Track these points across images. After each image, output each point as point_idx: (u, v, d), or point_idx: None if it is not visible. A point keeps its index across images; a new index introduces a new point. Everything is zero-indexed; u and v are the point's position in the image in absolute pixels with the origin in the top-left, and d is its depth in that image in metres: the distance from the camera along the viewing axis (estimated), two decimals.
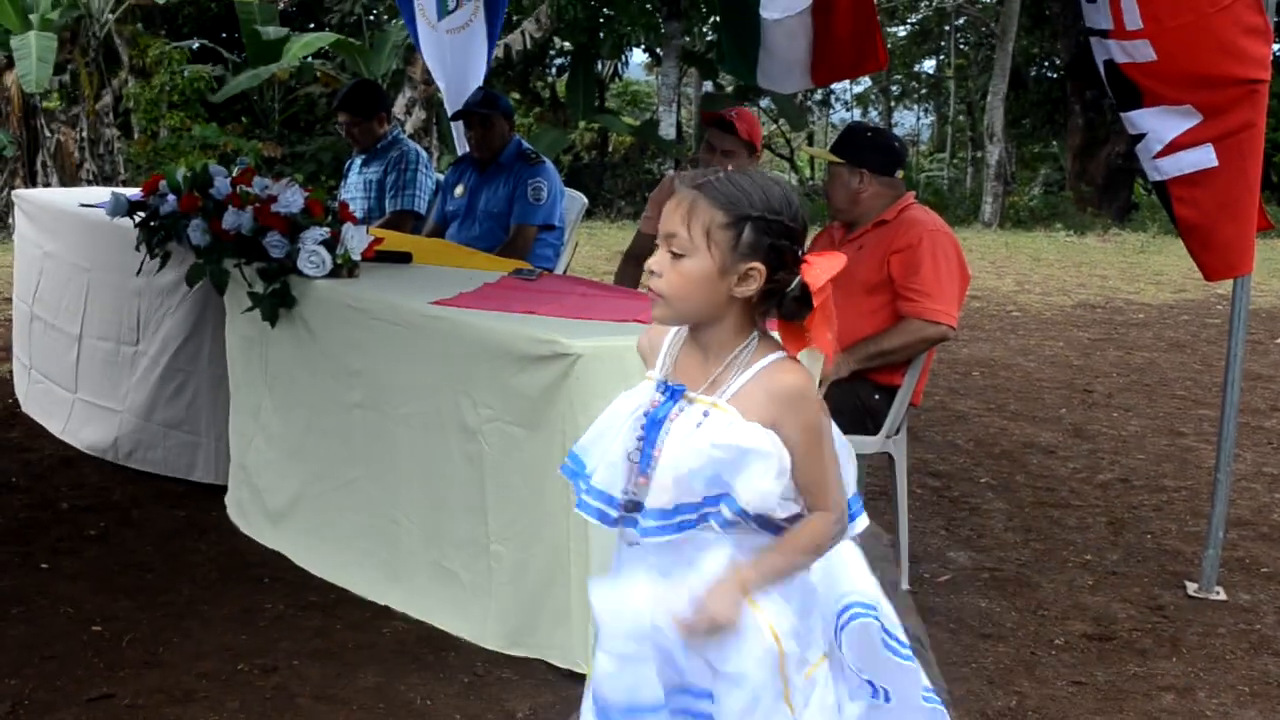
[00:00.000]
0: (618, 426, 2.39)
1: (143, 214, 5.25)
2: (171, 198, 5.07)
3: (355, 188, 6.80)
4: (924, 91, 33.64)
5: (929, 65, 32.61)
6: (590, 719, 2.47)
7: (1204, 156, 4.45)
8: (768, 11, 5.52)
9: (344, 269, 4.66)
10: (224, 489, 5.12)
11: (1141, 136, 4.56)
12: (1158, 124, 4.50)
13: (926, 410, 7.25)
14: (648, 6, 19.34)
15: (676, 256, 2.29)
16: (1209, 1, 4.30)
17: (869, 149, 4.76)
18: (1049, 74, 27.66)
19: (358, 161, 6.87)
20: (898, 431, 4.63)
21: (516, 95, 20.93)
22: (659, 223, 2.34)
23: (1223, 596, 4.70)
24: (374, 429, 4.33)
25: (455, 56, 7.70)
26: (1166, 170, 4.54)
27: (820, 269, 2.28)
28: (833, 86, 30.10)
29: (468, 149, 6.61)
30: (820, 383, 2.46)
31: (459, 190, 6.41)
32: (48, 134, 16.23)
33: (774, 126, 27.73)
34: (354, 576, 4.40)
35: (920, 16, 30.47)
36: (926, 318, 4.53)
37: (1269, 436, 7.11)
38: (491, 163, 6.31)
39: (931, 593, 4.64)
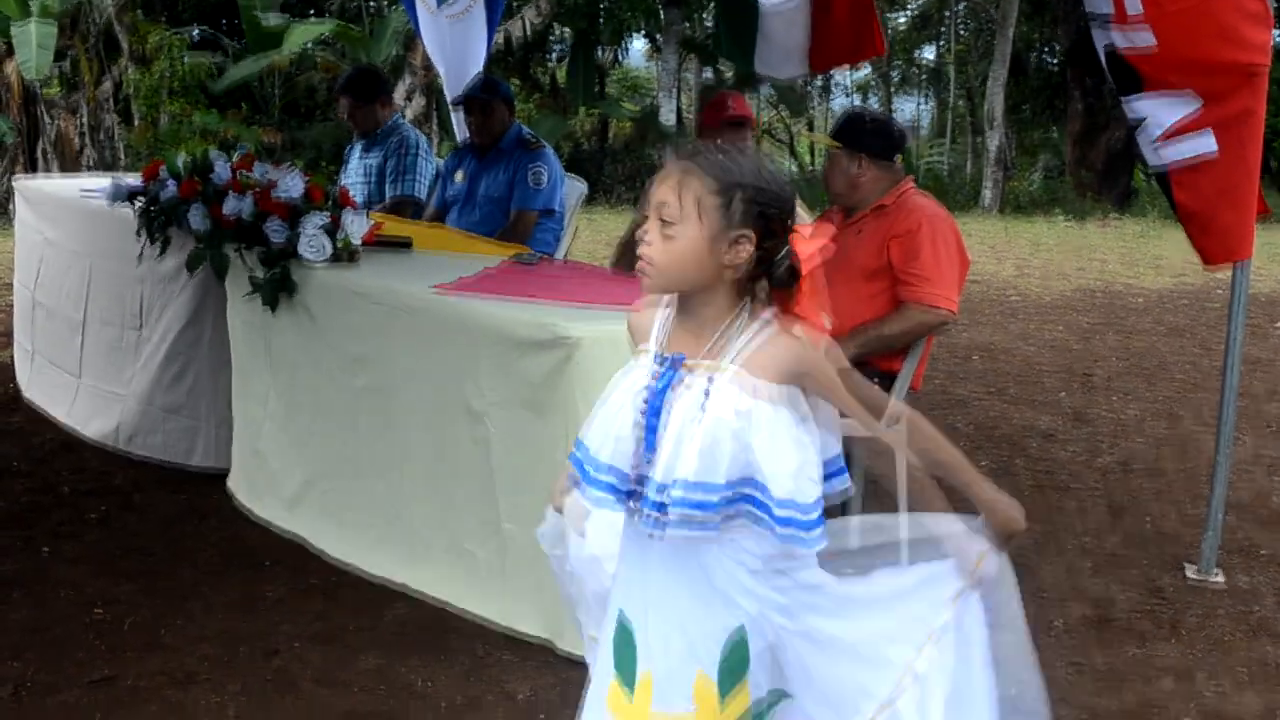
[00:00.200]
0: (619, 404, 2.37)
1: (143, 200, 5.25)
2: (172, 184, 5.07)
3: (355, 173, 6.80)
4: (924, 78, 33.57)
5: (929, 52, 32.57)
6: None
7: (1204, 142, 4.45)
8: None
9: (344, 254, 4.67)
10: (225, 474, 5.13)
11: (1141, 122, 4.55)
12: (1158, 110, 4.50)
13: (926, 395, 7.24)
14: None
15: (667, 225, 2.29)
16: None
17: (868, 134, 4.76)
18: (1049, 60, 27.63)
19: (358, 147, 6.87)
20: None
21: (517, 82, 20.88)
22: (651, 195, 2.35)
23: (1221, 580, 4.71)
24: (381, 413, 4.34)
25: (455, 43, 7.70)
26: (1166, 156, 4.53)
27: (810, 240, 2.30)
28: (833, 73, 30.00)
29: (468, 135, 6.61)
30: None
31: (459, 176, 6.41)
32: (48, 121, 16.21)
33: (774, 113, 27.69)
34: (370, 559, 4.42)
35: (920, 3, 30.38)
36: (926, 303, 4.53)
37: (1268, 421, 7.12)
38: (492, 148, 6.31)
39: None
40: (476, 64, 7.54)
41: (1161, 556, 4.94)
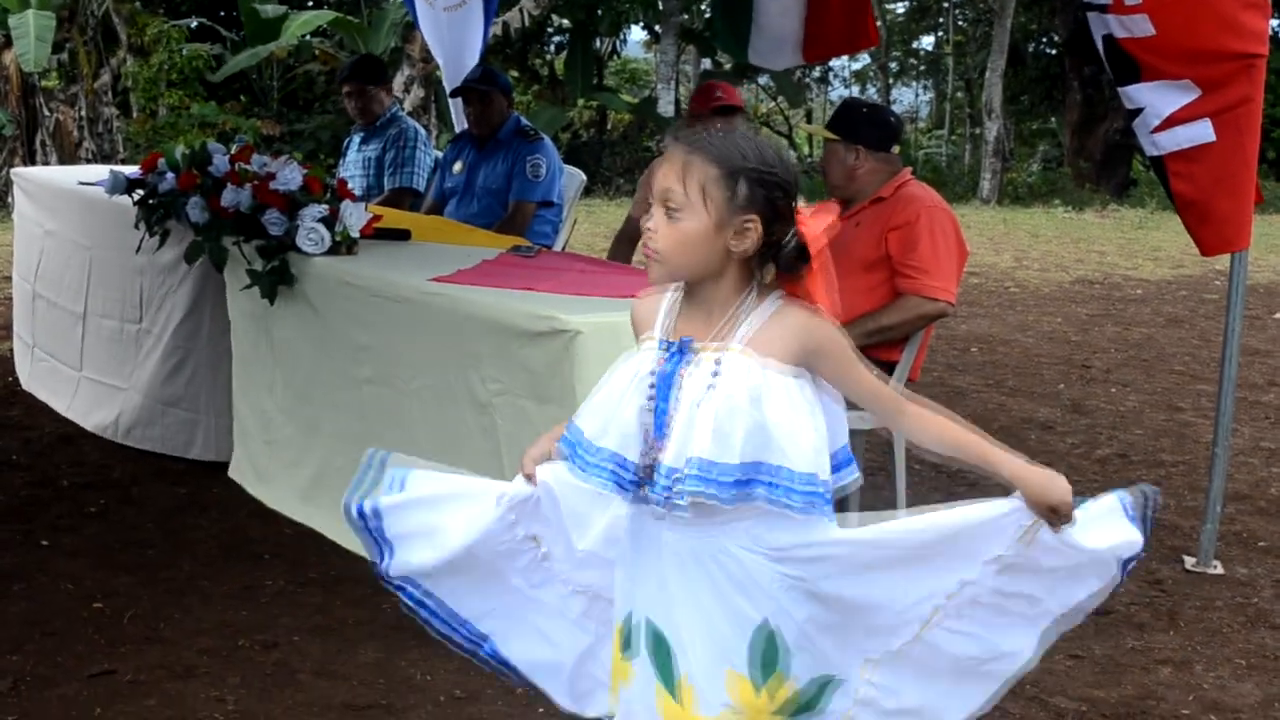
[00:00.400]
0: (622, 390, 2.34)
1: (141, 192, 5.25)
2: (170, 175, 5.07)
3: (354, 165, 6.80)
4: (922, 68, 33.52)
5: (927, 42, 32.50)
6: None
7: (1202, 131, 4.44)
8: None
9: (343, 246, 4.67)
10: (224, 466, 5.13)
11: (1139, 111, 4.55)
12: (1156, 99, 4.49)
13: (924, 386, 7.22)
14: None
15: (672, 213, 2.28)
16: None
17: (864, 125, 4.76)
18: (1047, 50, 27.58)
19: (356, 139, 6.87)
20: None
21: (515, 73, 20.82)
22: (653, 182, 2.34)
23: (1220, 570, 4.72)
24: (387, 403, 4.35)
25: (453, 34, 7.69)
26: (1164, 145, 4.53)
27: (815, 221, 2.29)
28: (831, 64, 30.00)
29: (466, 126, 6.60)
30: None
31: (457, 167, 6.41)
32: (46, 113, 16.18)
33: (772, 104, 27.66)
34: None
35: None
36: (925, 294, 4.53)
37: (1266, 411, 7.12)
38: (490, 139, 6.31)
39: None
40: (474, 55, 7.54)
41: (1160, 547, 4.94)
